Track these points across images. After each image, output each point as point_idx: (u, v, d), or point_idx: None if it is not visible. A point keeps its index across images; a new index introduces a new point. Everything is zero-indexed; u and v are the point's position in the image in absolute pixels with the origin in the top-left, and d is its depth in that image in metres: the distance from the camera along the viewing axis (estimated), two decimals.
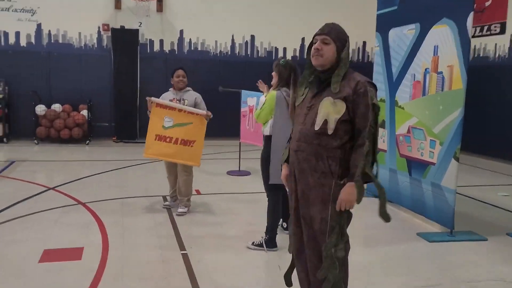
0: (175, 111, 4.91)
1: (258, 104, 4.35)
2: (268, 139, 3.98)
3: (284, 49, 11.70)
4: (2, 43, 10.10)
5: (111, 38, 10.46)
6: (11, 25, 10.07)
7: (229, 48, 11.30)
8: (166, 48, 10.97)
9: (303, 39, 11.68)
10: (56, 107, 10.03)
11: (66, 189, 5.95)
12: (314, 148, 2.52)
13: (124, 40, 10.48)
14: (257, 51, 11.47)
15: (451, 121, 4.55)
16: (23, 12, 10.13)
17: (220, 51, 11.26)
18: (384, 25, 5.82)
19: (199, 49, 11.13)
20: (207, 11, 10.92)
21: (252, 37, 11.40)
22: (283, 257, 3.79)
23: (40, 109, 9.89)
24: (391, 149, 5.62)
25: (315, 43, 2.56)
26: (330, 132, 2.48)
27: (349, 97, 2.47)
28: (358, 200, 2.47)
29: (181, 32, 10.99)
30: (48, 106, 9.98)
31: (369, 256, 4.04)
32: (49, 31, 10.31)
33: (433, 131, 4.83)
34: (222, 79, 10.22)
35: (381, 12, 5.91)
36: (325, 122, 2.49)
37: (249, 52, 11.38)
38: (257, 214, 5.20)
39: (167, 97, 5.18)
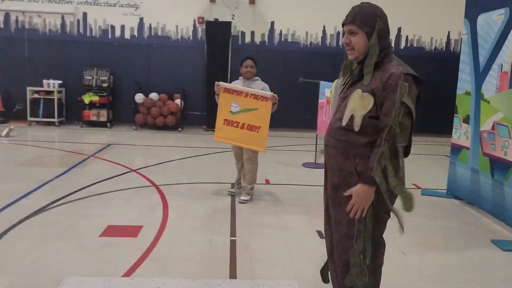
0: (241, 97, 5.01)
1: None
2: None
3: None
4: (109, 36, 11.00)
5: (205, 31, 10.86)
6: (117, 19, 10.94)
7: (319, 39, 11.11)
8: (257, 39, 11.11)
9: (399, 29, 11.10)
10: (153, 96, 10.70)
11: (146, 172, 6.33)
12: (342, 145, 2.32)
13: (217, 32, 10.81)
14: None
15: None
16: (127, 7, 10.94)
17: (311, 42, 11.11)
18: (473, 10, 5.29)
19: (289, 40, 11.10)
20: (299, 2, 10.82)
21: None
22: None
23: (139, 97, 10.63)
24: (474, 147, 5.12)
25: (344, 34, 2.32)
26: (356, 129, 2.25)
27: (378, 91, 2.19)
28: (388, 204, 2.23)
29: (272, 23, 11.05)
30: (146, 94, 10.69)
31: (427, 260, 3.73)
32: (150, 24, 11.00)
33: None
34: (311, 71, 10.11)
35: None
36: (352, 117, 2.27)
37: (340, 43, 11.06)
38: (320, 206, 5.09)
39: (236, 85, 5.27)
